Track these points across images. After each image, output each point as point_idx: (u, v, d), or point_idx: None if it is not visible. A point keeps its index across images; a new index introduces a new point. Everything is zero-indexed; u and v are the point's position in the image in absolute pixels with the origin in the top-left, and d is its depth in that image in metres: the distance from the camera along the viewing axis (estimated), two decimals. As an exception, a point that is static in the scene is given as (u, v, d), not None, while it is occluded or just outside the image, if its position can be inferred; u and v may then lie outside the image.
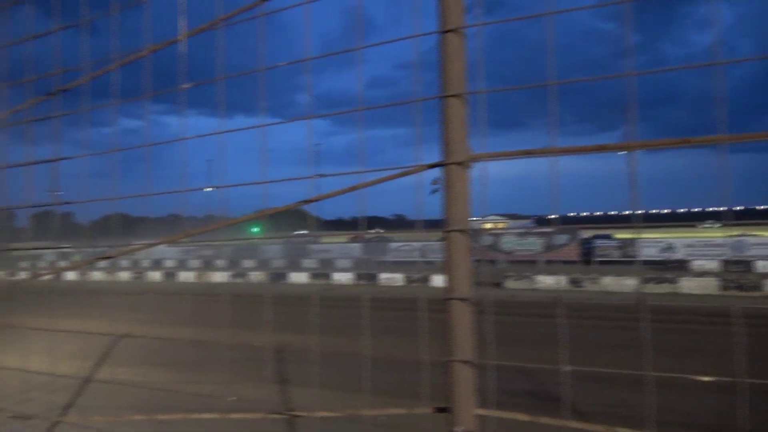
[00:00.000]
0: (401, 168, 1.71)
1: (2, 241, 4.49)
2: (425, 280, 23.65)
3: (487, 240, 34.53)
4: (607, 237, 35.03)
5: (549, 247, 33.79)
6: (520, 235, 34.96)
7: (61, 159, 2.60)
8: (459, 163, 1.60)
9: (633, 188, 1.50)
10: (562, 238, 33.59)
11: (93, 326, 11.40)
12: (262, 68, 1.99)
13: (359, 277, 25.36)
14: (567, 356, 1.73)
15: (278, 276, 27.84)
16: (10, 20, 2.83)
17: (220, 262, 38.16)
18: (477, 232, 34.18)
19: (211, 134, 2.19)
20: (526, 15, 1.62)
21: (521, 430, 2.34)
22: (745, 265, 27.94)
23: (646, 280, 23.53)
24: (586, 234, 34.54)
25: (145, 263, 39.14)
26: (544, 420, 1.80)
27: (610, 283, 23.75)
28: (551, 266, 31.17)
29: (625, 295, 21.06)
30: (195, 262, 39.59)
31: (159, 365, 8.61)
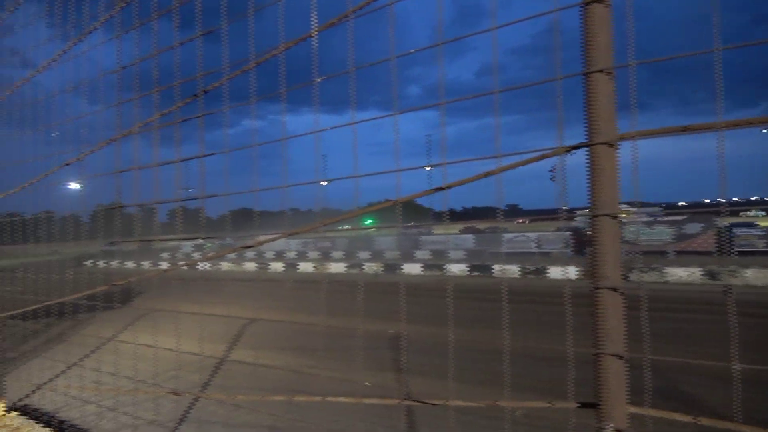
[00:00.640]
0: (540, 150, 1.63)
1: (146, 234, 4.97)
2: (542, 271, 22.65)
3: (607, 229, 32.18)
4: (750, 225, 31.02)
5: (679, 237, 30.71)
6: (647, 224, 32.13)
7: (201, 156, 2.85)
8: (606, 143, 1.49)
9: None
10: (695, 227, 30.32)
11: (226, 311, 12.53)
12: (392, 58, 2.01)
13: (473, 268, 24.96)
14: (736, 353, 1.55)
15: (392, 267, 28.48)
16: (148, 34, 3.14)
17: (336, 254, 39.90)
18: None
19: (326, 129, 2.26)
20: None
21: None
22: None
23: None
24: (723, 222, 30.83)
25: (268, 254, 42.11)
26: (706, 421, 1.63)
27: (753, 276, 20.97)
28: (682, 257, 28.34)
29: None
30: (313, 254, 41.81)
31: (287, 349, 9.18)
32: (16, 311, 4.20)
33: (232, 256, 37.31)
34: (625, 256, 29.27)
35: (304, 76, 2.33)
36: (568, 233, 30.97)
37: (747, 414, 1.54)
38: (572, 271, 21.61)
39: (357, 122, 2.04)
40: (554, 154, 1.60)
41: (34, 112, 4.04)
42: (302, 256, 40.74)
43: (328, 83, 2.28)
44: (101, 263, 40.28)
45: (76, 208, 4.28)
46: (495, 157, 1.70)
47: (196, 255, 44.15)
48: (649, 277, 23.34)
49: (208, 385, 7.00)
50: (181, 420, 5.58)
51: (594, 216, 1.50)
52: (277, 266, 34.35)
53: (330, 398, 2.47)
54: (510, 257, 29.49)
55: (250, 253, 40.78)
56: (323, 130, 2.17)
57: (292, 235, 2.39)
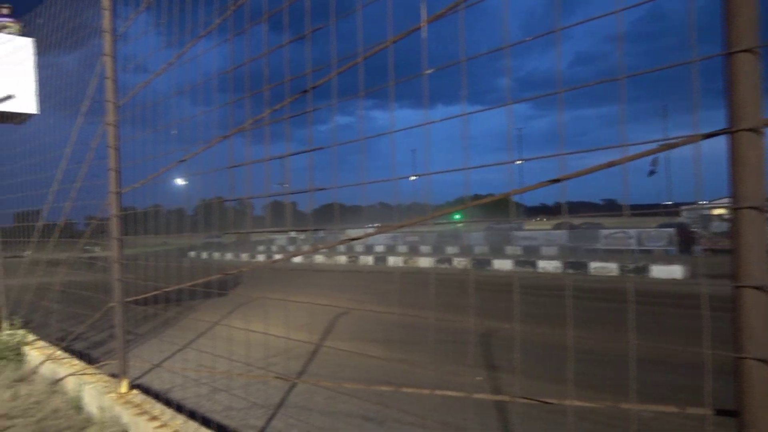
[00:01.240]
0: (671, 139, 1.52)
1: (244, 227, 5.24)
2: (644, 270, 21.03)
3: (720, 227, 29.31)
4: None
5: (809, 234, 27.20)
6: (764, 220, 28.80)
7: (296, 153, 2.98)
8: (751, 129, 1.36)
9: None
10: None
11: (319, 301, 13.05)
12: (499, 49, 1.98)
13: (567, 265, 23.67)
14: None
15: (482, 262, 27.76)
16: (247, 38, 3.33)
17: (424, 248, 39.90)
18: (706, 218, 29.19)
19: (416, 126, 2.26)
20: None
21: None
22: None
23: None
24: None
25: (359, 248, 43.02)
26: None
27: None
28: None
29: None
30: (402, 248, 42.13)
31: (393, 341, 9.33)
32: (139, 296, 4.59)
33: (324, 249, 38.66)
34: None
35: (395, 72, 2.36)
36: (671, 230, 28.59)
37: None
38: (677, 271, 19.86)
39: (467, 114, 2.03)
40: (687, 142, 1.49)
41: (147, 113, 4.46)
42: (391, 250, 41.19)
43: (415, 78, 2.28)
44: (204, 254, 43.42)
45: (181, 203, 4.70)
46: (615, 147, 1.62)
47: (290, 248, 46.16)
48: None
49: (304, 373, 7.27)
50: (280, 405, 5.84)
51: (737, 209, 1.38)
52: (367, 260, 35.02)
53: (438, 392, 2.48)
54: (607, 254, 27.74)
55: (341, 247, 41.93)
56: (432, 122, 2.18)
57: (398, 228, 2.43)
